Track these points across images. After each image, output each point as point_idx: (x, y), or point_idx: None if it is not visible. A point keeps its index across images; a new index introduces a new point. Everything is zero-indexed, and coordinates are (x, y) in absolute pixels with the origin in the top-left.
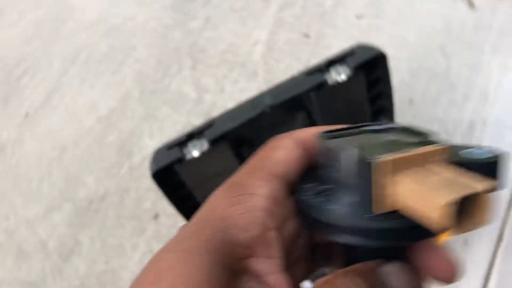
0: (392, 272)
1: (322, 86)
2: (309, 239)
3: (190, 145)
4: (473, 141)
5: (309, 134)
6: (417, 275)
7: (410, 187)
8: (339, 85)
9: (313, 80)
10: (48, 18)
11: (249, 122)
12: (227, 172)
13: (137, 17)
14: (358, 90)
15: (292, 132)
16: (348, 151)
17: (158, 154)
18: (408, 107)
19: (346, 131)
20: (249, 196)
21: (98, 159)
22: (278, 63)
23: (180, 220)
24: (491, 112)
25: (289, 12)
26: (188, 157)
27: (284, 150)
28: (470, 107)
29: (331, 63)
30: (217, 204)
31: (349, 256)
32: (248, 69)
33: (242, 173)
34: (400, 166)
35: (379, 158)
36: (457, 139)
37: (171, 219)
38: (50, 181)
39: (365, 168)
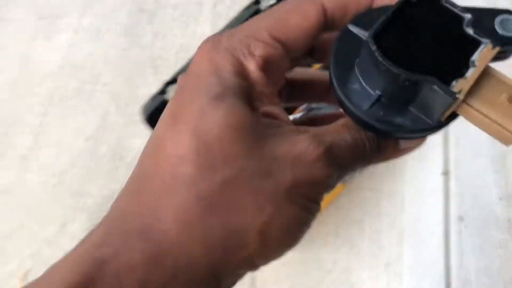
0: None
1: (257, 13)
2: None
3: (169, 90)
4: None
5: (342, 3)
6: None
7: (482, 112)
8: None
9: (249, 11)
10: (16, 78)
11: None
12: None
13: (96, 51)
14: None
15: None
16: (427, 83)
17: (145, 106)
18: None
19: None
20: (250, 57)
21: (96, 171)
22: None
23: None
24: None
25: (221, 6)
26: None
27: (302, 16)
28: None
29: None
30: (223, 59)
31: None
32: None
33: (248, 26)
34: (470, 91)
35: (457, 96)
36: None
37: None
38: (58, 203)
39: (445, 101)
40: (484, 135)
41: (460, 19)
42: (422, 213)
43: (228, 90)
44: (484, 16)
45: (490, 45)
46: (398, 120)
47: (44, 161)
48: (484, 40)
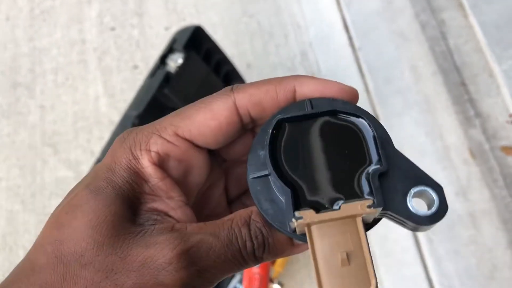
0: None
1: (168, 77)
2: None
3: None
4: (311, 63)
5: (255, 99)
6: None
7: (321, 255)
8: (181, 70)
9: (158, 77)
10: None
11: None
12: None
13: None
14: (199, 67)
15: (238, 89)
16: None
17: None
18: (249, 70)
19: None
20: (145, 153)
21: None
22: (125, 103)
23: None
24: (309, 35)
25: (108, 58)
26: None
27: (210, 114)
28: (293, 41)
29: (164, 57)
30: (119, 155)
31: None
32: (103, 122)
33: (151, 125)
34: (322, 225)
35: (301, 219)
36: (300, 71)
37: None
38: None
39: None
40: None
41: (369, 161)
42: (388, 230)
43: (109, 184)
44: (401, 172)
45: (369, 203)
46: (266, 204)
47: None
48: (367, 196)
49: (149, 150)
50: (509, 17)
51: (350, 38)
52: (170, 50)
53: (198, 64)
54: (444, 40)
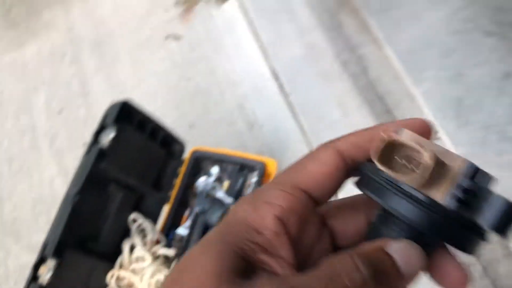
0: (400, 249)
1: (103, 153)
2: (330, 244)
3: (40, 272)
4: (249, 113)
5: (355, 143)
6: (423, 256)
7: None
8: (115, 143)
9: (92, 154)
10: None
11: (74, 217)
12: (96, 271)
13: None
14: (133, 137)
15: (338, 139)
16: None
17: None
18: (192, 130)
19: None
20: (266, 205)
21: None
22: None
23: None
24: (244, 88)
25: (58, 141)
26: (45, 282)
27: (319, 163)
28: (230, 97)
29: (97, 134)
30: (239, 209)
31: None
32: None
33: (269, 183)
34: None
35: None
36: (240, 123)
37: None
38: None
39: None
40: None
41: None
42: None
43: (219, 236)
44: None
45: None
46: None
47: None
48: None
49: (271, 203)
50: (419, 42)
51: (280, 86)
52: (102, 126)
53: (132, 135)
54: (365, 74)
